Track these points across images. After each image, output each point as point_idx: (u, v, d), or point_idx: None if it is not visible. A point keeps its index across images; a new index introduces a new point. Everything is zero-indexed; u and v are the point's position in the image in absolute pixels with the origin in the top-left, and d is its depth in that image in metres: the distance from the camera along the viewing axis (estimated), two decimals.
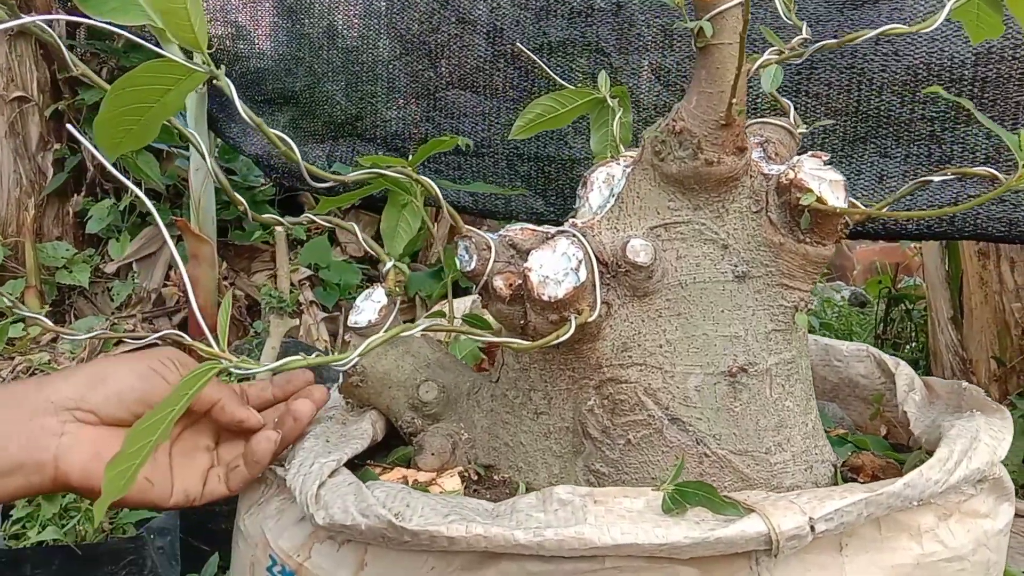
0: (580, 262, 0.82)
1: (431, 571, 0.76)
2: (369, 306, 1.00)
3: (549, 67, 1.86)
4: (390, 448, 1.02)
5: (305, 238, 3.17)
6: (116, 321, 2.67)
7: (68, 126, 0.76)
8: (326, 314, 2.66)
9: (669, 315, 0.85)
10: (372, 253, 2.78)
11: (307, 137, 2.23)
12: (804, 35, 0.91)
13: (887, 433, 1.18)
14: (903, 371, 1.14)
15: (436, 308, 1.25)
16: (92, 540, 1.28)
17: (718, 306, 0.85)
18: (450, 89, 2.06)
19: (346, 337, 1.06)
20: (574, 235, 0.84)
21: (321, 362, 0.73)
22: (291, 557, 0.84)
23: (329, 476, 0.82)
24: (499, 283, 0.86)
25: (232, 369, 0.70)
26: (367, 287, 1.12)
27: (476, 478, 0.92)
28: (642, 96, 1.73)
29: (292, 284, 2.53)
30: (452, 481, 0.88)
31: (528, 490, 0.89)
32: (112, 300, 2.84)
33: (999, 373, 2.35)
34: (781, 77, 0.84)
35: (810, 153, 0.86)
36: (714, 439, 0.84)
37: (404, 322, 0.95)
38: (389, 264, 1.02)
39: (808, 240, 0.85)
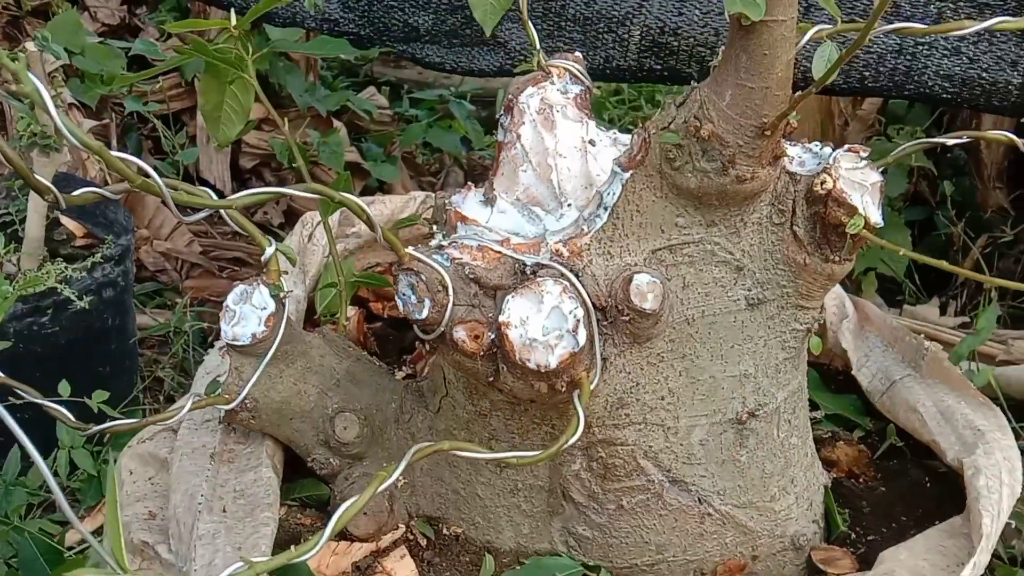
0: (579, 322, 0.62)
1: None
2: (250, 313, 0.75)
3: None
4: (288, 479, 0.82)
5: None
6: None
7: None
8: (93, 121, 2.21)
9: (672, 359, 0.68)
10: (129, 19, 2.23)
11: None
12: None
13: None
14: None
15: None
16: None
17: (727, 342, 0.69)
18: None
19: (220, 351, 0.81)
20: (565, 278, 0.63)
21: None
22: None
23: None
24: (462, 335, 0.65)
25: None
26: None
27: (425, 543, 0.75)
28: None
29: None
30: (404, 567, 0.71)
31: (489, 558, 0.73)
32: None
33: None
34: (835, 57, 0.63)
35: (847, 147, 0.68)
36: (718, 496, 0.71)
37: None
38: (270, 250, 0.76)
39: (835, 259, 0.69)
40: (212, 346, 1.34)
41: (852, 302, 1.07)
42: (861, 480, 0.86)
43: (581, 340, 0.62)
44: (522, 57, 1.15)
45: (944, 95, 0.96)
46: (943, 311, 1.70)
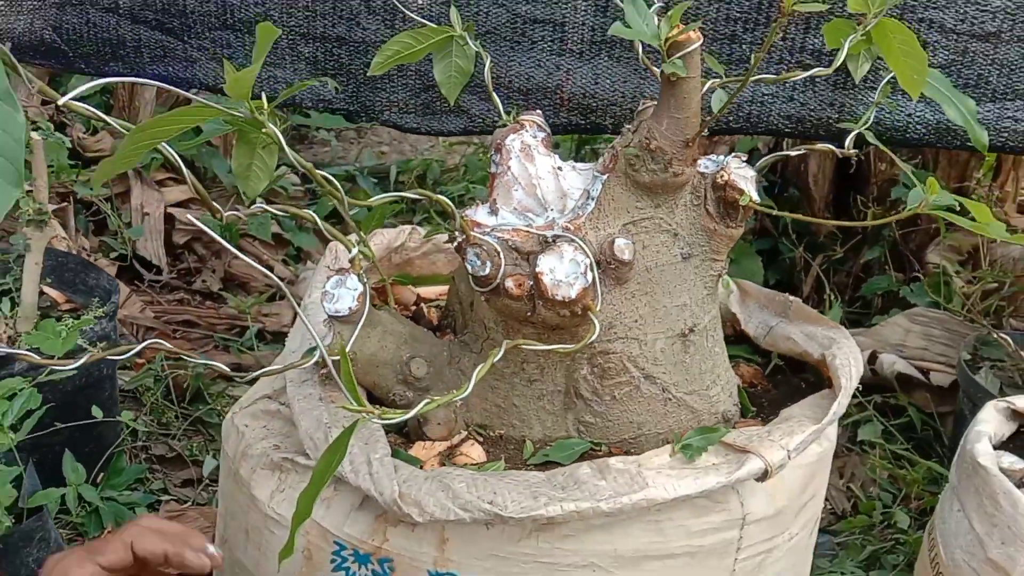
0: (587, 267, 0.99)
1: (507, 534, 0.94)
2: (345, 293, 1.07)
3: None
4: None
5: None
6: None
7: None
8: (53, 205, 2.43)
9: (639, 295, 1.06)
10: (55, 115, 2.63)
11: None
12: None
13: None
14: None
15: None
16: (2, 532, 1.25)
17: (672, 282, 1.07)
18: None
19: (324, 324, 1.12)
20: (575, 241, 1.00)
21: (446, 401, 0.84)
22: (365, 542, 0.96)
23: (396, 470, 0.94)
24: (510, 284, 1.00)
25: (376, 420, 0.79)
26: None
27: (481, 439, 1.08)
28: None
29: None
30: (475, 450, 1.05)
31: (530, 443, 1.08)
32: None
33: None
34: (725, 98, 1.04)
35: (733, 154, 1.08)
36: (674, 386, 1.08)
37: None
38: (355, 251, 1.09)
39: (733, 225, 1.08)
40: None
41: (736, 284, 1.47)
42: (759, 388, 1.25)
43: (589, 279, 0.98)
44: (480, 120, 1.53)
45: (786, 130, 1.39)
46: None
